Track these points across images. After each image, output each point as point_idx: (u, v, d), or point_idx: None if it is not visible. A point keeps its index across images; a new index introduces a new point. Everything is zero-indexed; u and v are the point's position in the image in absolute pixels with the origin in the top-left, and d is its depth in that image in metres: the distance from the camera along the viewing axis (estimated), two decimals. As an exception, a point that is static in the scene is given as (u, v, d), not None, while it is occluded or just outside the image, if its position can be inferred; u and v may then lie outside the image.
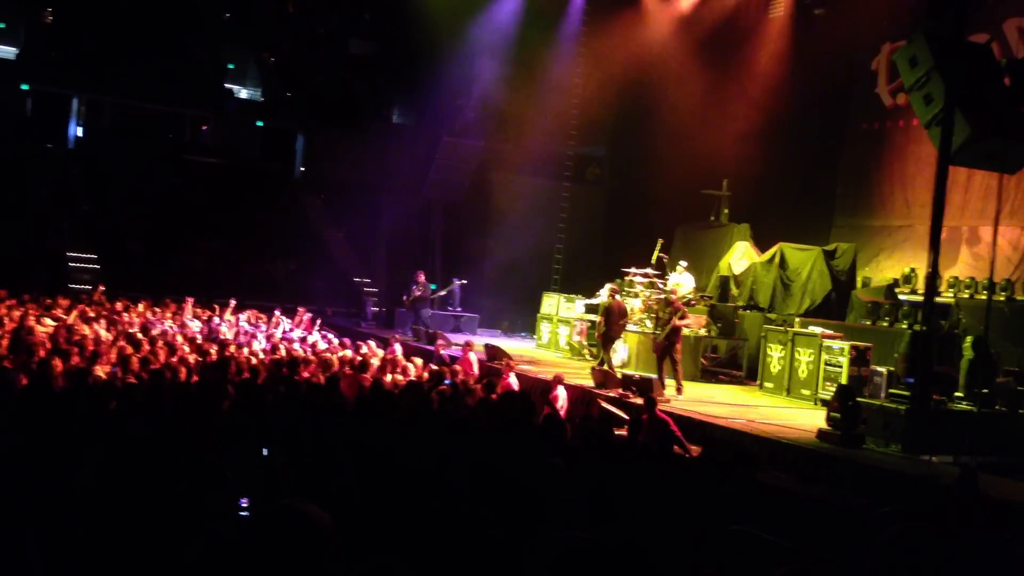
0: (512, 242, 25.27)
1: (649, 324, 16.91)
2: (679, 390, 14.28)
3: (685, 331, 15.31)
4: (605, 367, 15.07)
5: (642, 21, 24.73)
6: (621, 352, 16.85)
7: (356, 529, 5.13)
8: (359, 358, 13.46)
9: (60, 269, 23.49)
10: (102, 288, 19.73)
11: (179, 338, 14.45)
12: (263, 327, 18.11)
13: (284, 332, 17.65)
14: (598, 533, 2.54)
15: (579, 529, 2.50)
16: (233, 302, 18.92)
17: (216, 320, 17.80)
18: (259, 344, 15.30)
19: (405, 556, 2.40)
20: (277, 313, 19.04)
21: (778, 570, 2.49)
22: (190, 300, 18.77)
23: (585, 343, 19.07)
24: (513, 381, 13.67)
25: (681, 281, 17.97)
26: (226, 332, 16.76)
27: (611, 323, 15.72)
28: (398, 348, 15.53)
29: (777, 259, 18.50)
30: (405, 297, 21.56)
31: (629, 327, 17.13)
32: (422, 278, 21.58)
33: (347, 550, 4.58)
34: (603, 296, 18.89)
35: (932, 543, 1.98)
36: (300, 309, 19.63)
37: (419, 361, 14.23)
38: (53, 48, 28.51)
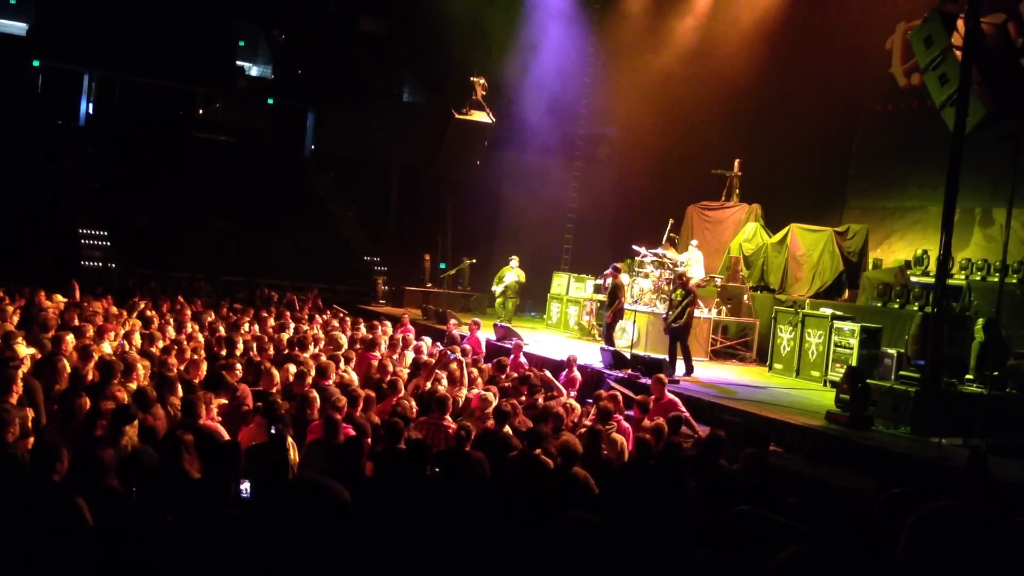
0: (522, 221, 25.21)
1: (660, 305, 16.87)
2: (689, 371, 14.28)
3: (696, 313, 15.32)
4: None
5: (653, 2, 24.57)
6: (629, 331, 16.83)
7: (367, 508, 5.15)
8: (369, 336, 13.44)
9: (71, 246, 23.56)
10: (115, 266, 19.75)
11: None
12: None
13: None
14: (605, 514, 2.53)
15: (587, 509, 2.49)
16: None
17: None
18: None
19: (420, 533, 2.40)
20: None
21: (783, 550, 2.47)
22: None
23: (595, 323, 19.05)
24: (523, 361, 13.65)
25: (691, 261, 17.87)
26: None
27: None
28: (411, 328, 15.51)
29: (788, 240, 18.43)
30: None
31: (639, 307, 17.10)
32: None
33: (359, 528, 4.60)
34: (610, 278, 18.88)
35: (967, 524, 1.95)
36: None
37: (428, 340, 14.22)
38: (64, 24, 28.50)
